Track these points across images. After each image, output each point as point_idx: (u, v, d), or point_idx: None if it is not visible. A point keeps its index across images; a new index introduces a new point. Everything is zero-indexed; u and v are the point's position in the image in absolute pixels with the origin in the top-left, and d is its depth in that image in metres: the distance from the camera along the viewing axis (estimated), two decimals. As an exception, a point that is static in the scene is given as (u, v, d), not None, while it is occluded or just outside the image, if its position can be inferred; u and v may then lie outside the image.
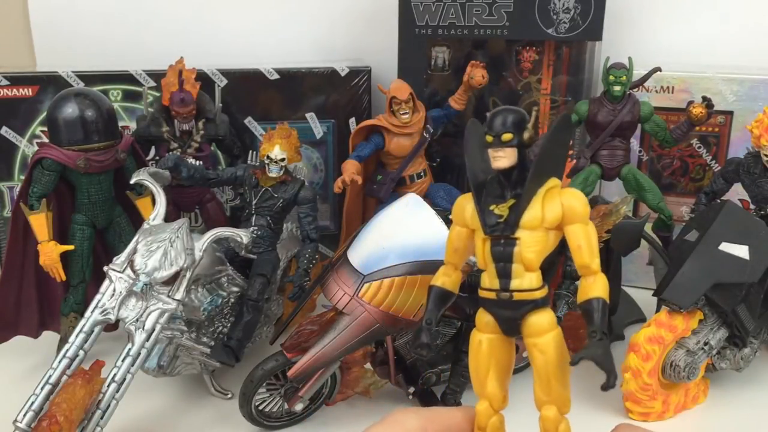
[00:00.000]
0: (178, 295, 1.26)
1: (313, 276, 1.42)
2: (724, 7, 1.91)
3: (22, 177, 1.69)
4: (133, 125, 1.70)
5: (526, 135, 0.76)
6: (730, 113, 1.73)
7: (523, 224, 0.74)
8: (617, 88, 1.58)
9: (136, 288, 1.23)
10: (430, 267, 1.15)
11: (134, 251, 1.25)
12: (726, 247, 1.33)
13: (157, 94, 1.66)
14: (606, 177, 1.66)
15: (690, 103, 1.59)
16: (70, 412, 1.12)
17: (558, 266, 1.46)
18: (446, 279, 0.82)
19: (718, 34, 1.91)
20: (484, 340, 0.76)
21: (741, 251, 1.33)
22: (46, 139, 1.51)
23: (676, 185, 1.85)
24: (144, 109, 1.66)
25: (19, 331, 1.53)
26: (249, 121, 1.81)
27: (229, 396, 1.42)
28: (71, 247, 1.46)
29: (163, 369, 1.34)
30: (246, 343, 1.41)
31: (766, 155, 1.44)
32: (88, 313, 1.22)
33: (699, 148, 1.80)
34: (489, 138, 0.75)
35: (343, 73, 1.81)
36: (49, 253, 1.40)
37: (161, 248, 1.25)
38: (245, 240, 1.34)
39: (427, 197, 1.66)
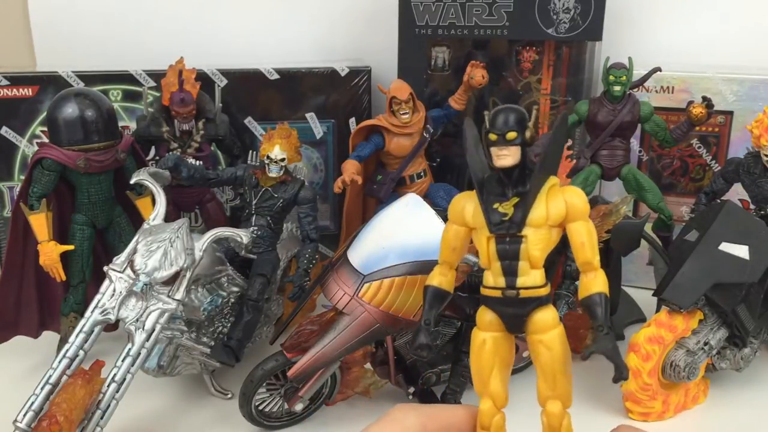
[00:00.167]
0: (178, 295, 1.26)
1: (313, 276, 1.42)
2: (724, 7, 1.91)
3: (22, 177, 1.69)
4: (133, 125, 1.70)
5: (527, 134, 0.76)
6: (730, 113, 1.73)
7: (529, 222, 0.74)
8: (617, 88, 1.58)
9: (136, 288, 1.23)
10: (430, 267, 1.13)
11: (134, 251, 1.25)
12: (726, 247, 1.33)
13: (157, 94, 1.65)
14: (606, 177, 1.66)
15: (690, 103, 1.59)
16: (70, 412, 1.12)
17: (558, 266, 1.46)
18: (443, 279, 0.82)
19: (718, 34, 1.91)
20: (488, 338, 0.76)
21: (741, 251, 1.33)
22: (46, 139, 1.51)
23: (676, 185, 1.85)
24: (144, 109, 1.66)
25: (19, 331, 1.53)
26: (249, 121, 1.81)
27: (229, 396, 1.42)
28: (71, 247, 1.46)
29: (163, 369, 1.34)
30: (246, 343, 1.41)
31: (766, 155, 1.44)
32: (88, 313, 1.22)
33: (699, 148, 1.80)
34: (493, 136, 0.76)
35: (343, 73, 1.81)
36: (49, 253, 1.40)
37: (161, 248, 1.25)
38: (245, 240, 1.34)
39: (427, 197, 1.66)
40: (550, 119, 1.86)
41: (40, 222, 1.40)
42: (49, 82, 1.70)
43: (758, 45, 1.89)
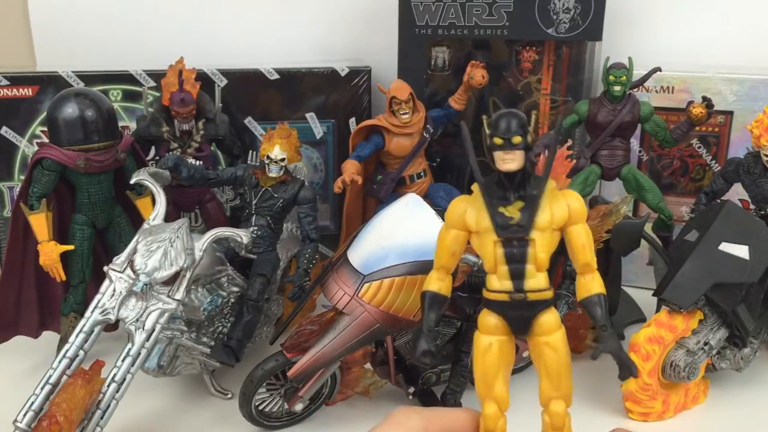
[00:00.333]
0: (178, 295, 1.26)
1: (313, 276, 1.42)
2: (724, 7, 1.91)
3: (22, 177, 1.69)
4: (133, 125, 1.70)
5: (529, 138, 0.77)
6: (730, 113, 1.73)
7: (536, 225, 0.75)
8: (617, 88, 1.58)
9: (136, 288, 1.23)
10: (429, 267, 1.14)
11: (134, 251, 1.25)
12: (726, 247, 1.33)
13: (157, 94, 1.65)
14: (606, 177, 1.66)
15: (690, 103, 1.59)
16: (70, 412, 1.12)
17: (558, 266, 1.46)
18: (441, 284, 0.82)
19: (718, 34, 1.91)
20: (495, 342, 0.77)
21: (741, 251, 1.33)
22: (46, 139, 1.51)
23: (676, 185, 1.85)
24: (144, 109, 1.66)
25: (19, 331, 1.53)
26: (249, 121, 1.81)
27: (229, 396, 1.42)
28: (71, 247, 1.46)
29: (163, 369, 1.34)
30: (246, 343, 1.41)
31: (766, 155, 1.44)
32: (88, 313, 1.22)
33: (699, 148, 1.80)
34: (498, 140, 0.76)
35: (343, 73, 1.81)
36: (49, 253, 1.40)
37: (161, 248, 1.25)
38: (245, 240, 1.34)
39: (427, 197, 1.66)
40: (550, 119, 1.86)
41: (40, 222, 1.40)
42: (49, 82, 1.70)
43: (758, 45, 1.89)
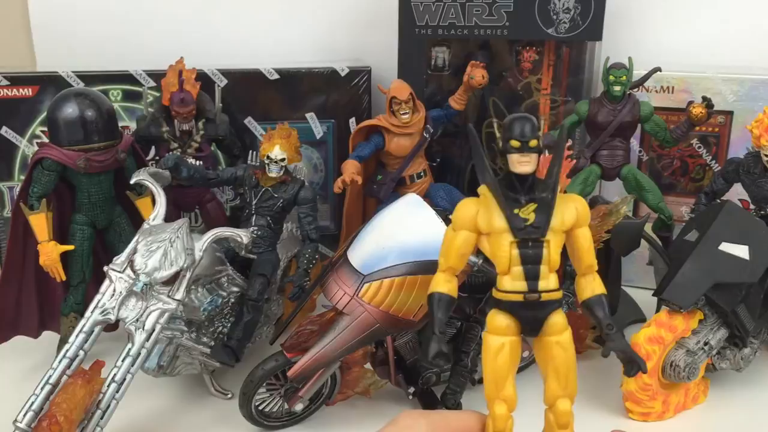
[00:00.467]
0: (178, 295, 1.26)
1: (313, 276, 1.42)
2: (724, 7, 1.91)
3: (22, 177, 1.69)
4: (133, 125, 1.70)
5: (540, 141, 0.78)
6: (730, 113, 1.73)
7: (552, 227, 0.77)
8: (617, 88, 1.58)
9: (136, 288, 1.23)
10: (430, 267, 1.14)
11: (134, 251, 1.25)
12: (726, 247, 1.33)
13: (157, 94, 1.65)
14: (606, 177, 1.66)
15: (690, 103, 1.59)
16: (70, 412, 1.12)
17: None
18: (450, 285, 0.82)
19: (718, 34, 1.91)
20: (507, 343, 0.77)
21: (741, 251, 1.33)
22: (46, 139, 1.51)
23: (676, 185, 1.85)
24: (144, 109, 1.66)
25: (19, 331, 1.53)
26: (249, 121, 1.81)
27: (229, 396, 1.42)
28: (71, 247, 1.46)
29: (163, 369, 1.34)
30: (246, 343, 1.41)
31: (766, 155, 1.44)
32: (88, 313, 1.22)
33: (699, 148, 1.80)
34: (516, 143, 0.77)
35: (343, 73, 1.81)
36: (49, 253, 1.40)
37: (161, 248, 1.25)
38: (245, 240, 1.34)
39: (427, 197, 1.66)
40: (550, 119, 1.86)
41: (40, 222, 1.40)
42: (49, 82, 1.70)
43: (758, 45, 1.89)
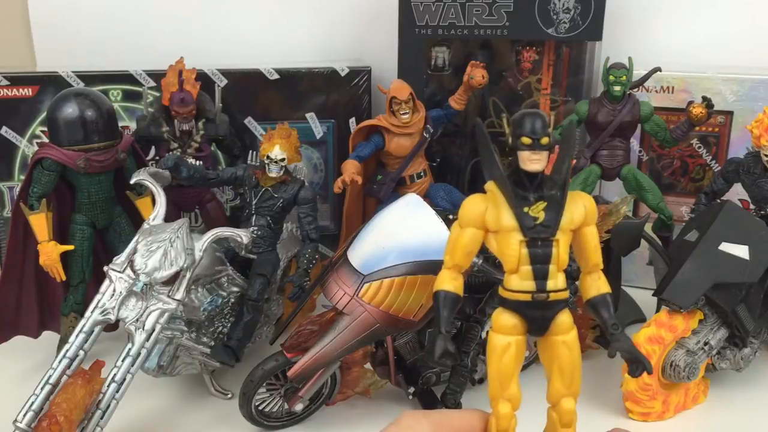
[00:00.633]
0: (178, 295, 1.26)
1: (313, 276, 1.42)
2: (724, 7, 1.91)
3: (22, 177, 1.69)
4: (133, 125, 1.70)
5: (551, 139, 0.78)
6: (730, 113, 1.73)
7: (561, 226, 0.76)
8: (617, 88, 1.58)
9: (136, 288, 1.23)
10: (430, 267, 1.15)
11: (134, 251, 1.25)
12: (726, 247, 1.33)
13: (157, 94, 1.65)
14: (606, 177, 1.66)
15: (690, 103, 1.59)
16: (70, 412, 1.12)
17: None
18: (455, 283, 0.81)
19: (718, 34, 1.91)
20: (514, 342, 0.76)
21: (741, 251, 1.33)
22: (46, 139, 1.51)
23: (676, 185, 1.85)
24: (144, 109, 1.66)
25: (19, 331, 1.53)
26: (249, 121, 1.81)
27: (229, 396, 1.42)
28: (71, 247, 1.46)
29: (163, 369, 1.34)
30: (246, 343, 1.41)
31: (766, 155, 1.44)
32: (88, 313, 1.22)
33: (699, 148, 1.80)
34: (527, 140, 0.76)
35: (343, 73, 1.81)
36: (49, 253, 1.40)
37: (161, 248, 1.25)
38: (245, 240, 1.34)
39: (427, 197, 1.66)
40: (551, 119, 1.86)
41: (40, 222, 1.40)
42: (49, 82, 1.70)
43: (758, 45, 1.89)
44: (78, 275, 1.50)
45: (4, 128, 1.72)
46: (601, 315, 0.79)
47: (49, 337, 1.55)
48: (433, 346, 0.79)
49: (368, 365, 1.36)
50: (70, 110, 1.41)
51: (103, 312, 1.22)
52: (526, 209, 0.75)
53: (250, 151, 1.73)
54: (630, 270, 1.79)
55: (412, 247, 1.16)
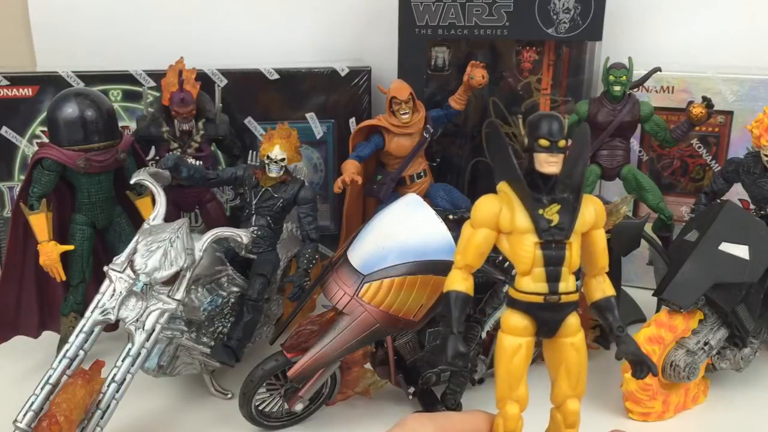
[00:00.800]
0: (178, 295, 1.26)
1: (313, 276, 1.42)
2: (724, 7, 1.91)
3: (22, 177, 1.69)
4: (133, 125, 1.70)
5: (567, 142, 0.78)
6: (730, 113, 1.73)
7: (575, 229, 0.76)
8: (617, 88, 1.58)
9: (136, 288, 1.23)
10: (430, 267, 1.15)
11: (134, 251, 1.25)
12: (726, 247, 1.33)
13: (157, 94, 1.65)
14: (606, 177, 1.66)
15: (690, 103, 1.59)
16: (70, 412, 1.12)
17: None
18: (467, 284, 0.81)
19: (718, 34, 1.91)
20: (524, 344, 0.77)
21: (741, 251, 1.33)
22: (46, 139, 1.51)
23: (676, 185, 1.85)
24: (144, 109, 1.66)
25: (19, 331, 1.53)
26: (249, 121, 1.81)
27: (229, 396, 1.42)
28: (71, 247, 1.46)
29: (163, 369, 1.34)
30: (246, 343, 1.41)
31: (766, 155, 1.44)
32: (88, 313, 1.22)
33: (699, 148, 1.80)
34: (545, 143, 0.76)
35: (343, 73, 1.81)
36: (49, 253, 1.40)
37: (161, 248, 1.25)
38: (245, 240, 1.34)
39: (427, 197, 1.66)
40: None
41: (40, 222, 1.40)
42: (49, 82, 1.70)
43: (758, 45, 1.89)
44: (78, 275, 1.50)
45: (4, 128, 1.72)
46: (606, 318, 0.79)
47: (49, 337, 1.54)
48: (446, 347, 0.78)
49: (368, 365, 1.36)
50: (70, 110, 1.41)
51: (103, 312, 1.22)
52: (540, 211, 0.76)
53: (250, 151, 1.72)
54: (630, 270, 1.79)
55: (412, 247, 1.16)
